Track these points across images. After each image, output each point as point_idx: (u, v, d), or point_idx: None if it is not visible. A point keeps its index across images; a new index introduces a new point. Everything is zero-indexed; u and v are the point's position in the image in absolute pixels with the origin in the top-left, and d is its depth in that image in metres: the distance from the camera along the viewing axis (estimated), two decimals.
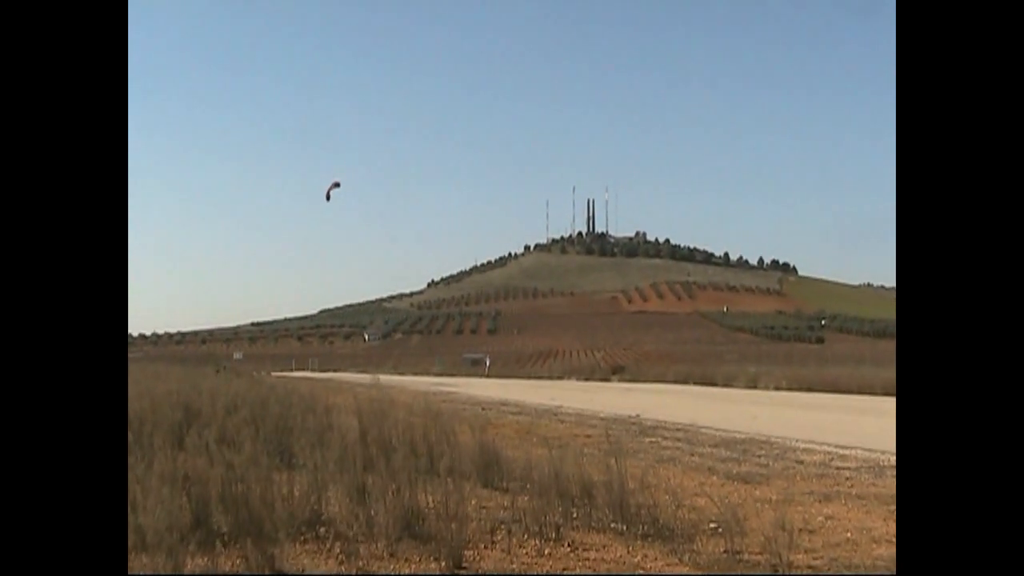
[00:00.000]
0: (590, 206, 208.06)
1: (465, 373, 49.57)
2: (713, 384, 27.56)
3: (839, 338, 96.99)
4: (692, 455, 8.32)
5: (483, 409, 14.91)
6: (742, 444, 9.27)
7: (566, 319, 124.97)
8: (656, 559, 4.34)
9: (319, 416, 8.84)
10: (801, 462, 7.80)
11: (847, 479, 6.81)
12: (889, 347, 43.74)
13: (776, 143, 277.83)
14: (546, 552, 4.42)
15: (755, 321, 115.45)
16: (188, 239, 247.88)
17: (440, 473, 4.86)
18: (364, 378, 22.70)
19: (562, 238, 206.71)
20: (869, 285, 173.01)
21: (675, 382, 30.03)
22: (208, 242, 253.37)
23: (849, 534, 4.86)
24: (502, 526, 4.83)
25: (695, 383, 28.63)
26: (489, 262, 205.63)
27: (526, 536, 4.66)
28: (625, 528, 4.84)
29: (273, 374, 34.06)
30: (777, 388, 23.83)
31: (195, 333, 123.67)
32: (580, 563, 4.26)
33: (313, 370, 62.37)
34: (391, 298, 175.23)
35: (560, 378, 39.42)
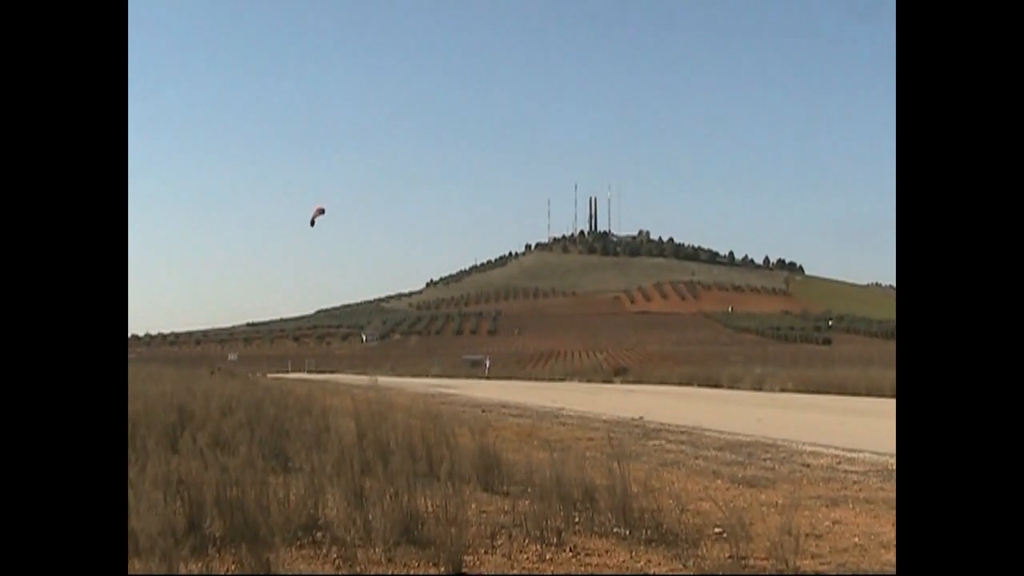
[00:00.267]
0: (592, 204, 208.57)
1: (465, 374, 49.57)
2: (718, 386, 27.46)
3: (847, 339, 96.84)
4: (696, 458, 8.24)
5: (483, 411, 14.83)
6: (748, 447, 9.18)
7: (568, 319, 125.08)
8: (660, 564, 4.27)
9: (316, 418, 8.78)
10: (808, 465, 7.71)
11: (855, 483, 6.73)
12: None
13: (783, 139, 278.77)
14: (547, 557, 4.36)
15: (761, 322, 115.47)
16: (182, 238, 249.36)
17: (439, 477, 4.80)
18: (362, 379, 22.66)
19: (564, 237, 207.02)
20: (877, 285, 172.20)
21: (679, 384, 29.95)
22: (203, 241, 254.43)
23: (857, 539, 4.79)
24: (503, 531, 4.78)
25: (699, 385, 28.55)
26: (489, 261, 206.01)
27: (527, 541, 4.61)
28: (628, 533, 4.77)
29: (269, 375, 34.06)
30: (783, 390, 23.73)
31: (189, 334, 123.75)
32: (582, 568, 4.20)
33: (310, 371, 62.36)
34: (389, 298, 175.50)
35: (562, 380, 39.35)
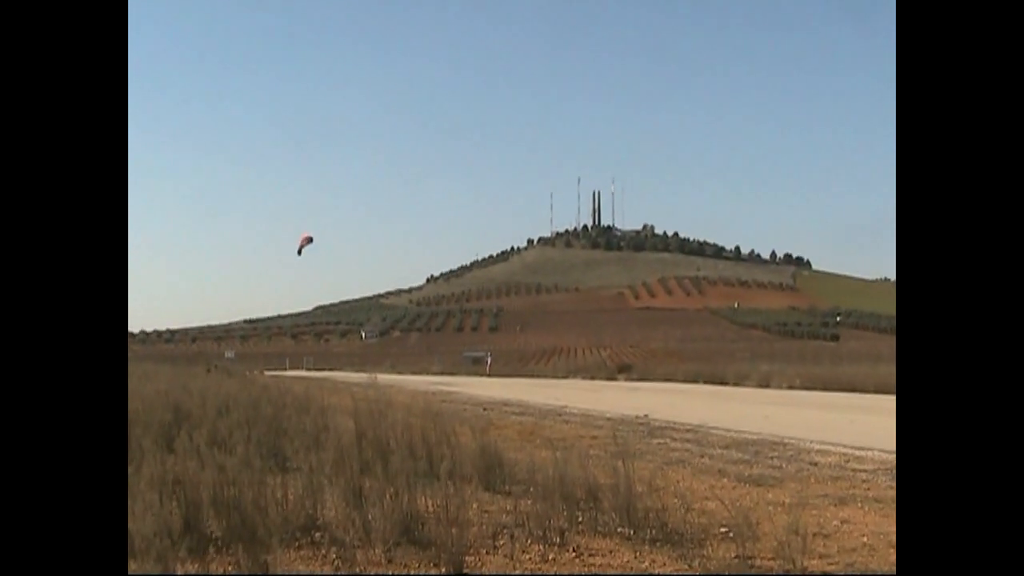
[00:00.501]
0: (596, 198, 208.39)
1: (466, 372, 49.57)
2: (724, 383, 27.29)
3: (855, 335, 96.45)
4: (702, 457, 8.16)
5: (484, 409, 14.76)
6: (754, 445, 9.09)
7: (571, 316, 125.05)
8: (665, 565, 4.21)
9: (314, 417, 8.71)
10: (815, 464, 7.62)
11: (864, 482, 6.64)
12: None
13: (789, 133, 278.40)
14: (550, 558, 4.31)
15: (767, 317, 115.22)
16: (179, 234, 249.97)
17: (440, 476, 4.74)
18: (361, 377, 22.58)
19: (566, 231, 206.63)
20: (886, 280, 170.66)
21: (684, 381, 29.79)
22: (199, 237, 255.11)
23: (865, 539, 4.71)
24: (504, 531, 4.72)
25: (705, 382, 28.39)
26: (491, 256, 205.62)
27: (529, 541, 4.55)
28: (632, 533, 4.71)
29: (266, 373, 33.87)
30: (790, 387, 23.56)
31: (185, 331, 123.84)
32: (586, 569, 4.15)
33: (308, 369, 62.42)
34: (389, 294, 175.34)
35: (565, 377, 39.25)
